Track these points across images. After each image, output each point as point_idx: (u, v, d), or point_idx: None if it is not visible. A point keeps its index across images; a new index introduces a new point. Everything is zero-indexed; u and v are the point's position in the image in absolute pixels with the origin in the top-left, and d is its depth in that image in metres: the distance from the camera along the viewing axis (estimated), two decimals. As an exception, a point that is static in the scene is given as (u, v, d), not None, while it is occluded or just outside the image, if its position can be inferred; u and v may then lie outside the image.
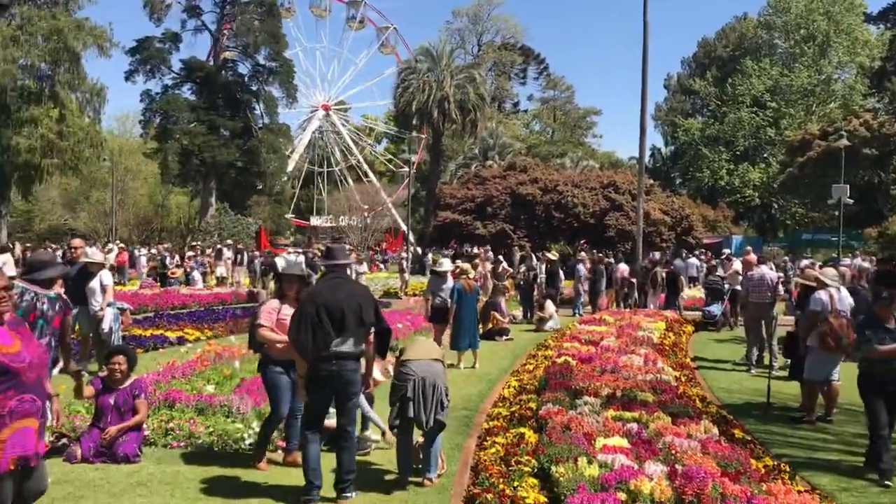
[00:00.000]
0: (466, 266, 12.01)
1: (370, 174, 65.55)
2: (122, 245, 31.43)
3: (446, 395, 6.16)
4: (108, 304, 10.00)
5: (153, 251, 31.29)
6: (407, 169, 63.90)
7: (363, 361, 5.97)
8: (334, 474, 5.78)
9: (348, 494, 5.71)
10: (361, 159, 66.05)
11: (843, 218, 33.38)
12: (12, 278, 7.57)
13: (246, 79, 53.75)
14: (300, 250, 26.54)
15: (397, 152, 67.36)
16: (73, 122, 46.14)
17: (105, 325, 9.88)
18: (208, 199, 53.09)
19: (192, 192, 58.19)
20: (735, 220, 58.48)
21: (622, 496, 4.96)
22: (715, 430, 6.91)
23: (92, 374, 9.97)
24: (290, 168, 60.39)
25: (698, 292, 23.11)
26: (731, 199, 60.60)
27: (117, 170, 57.94)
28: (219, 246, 34.24)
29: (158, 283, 24.91)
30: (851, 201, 34.81)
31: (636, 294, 21.27)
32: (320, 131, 67.64)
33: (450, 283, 11.89)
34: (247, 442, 6.94)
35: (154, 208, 65.09)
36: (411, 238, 59.27)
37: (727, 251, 26.65)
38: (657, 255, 30.26)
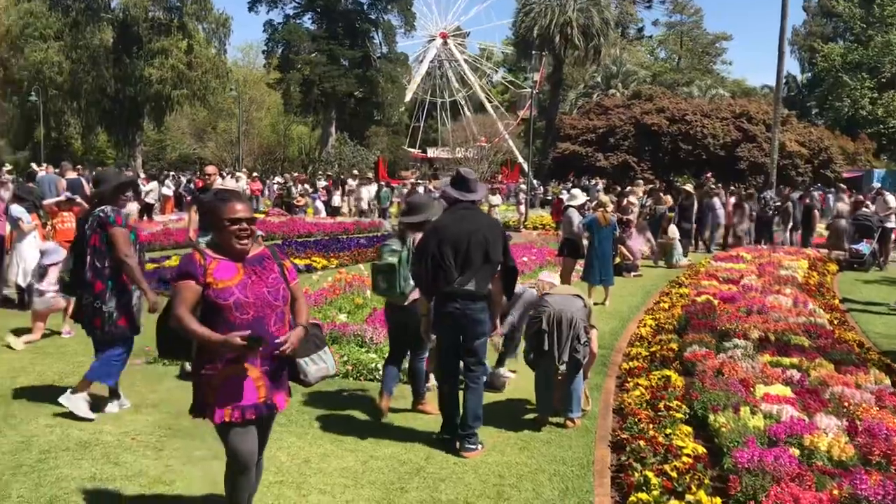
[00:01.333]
0: (605, 198, 11.43)
1: (487, 104, 64.58)
2: (255, 174, 32.18)
3: (585, 332, 5.78)
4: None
5: (279, 179, 31.90)
6: (528, 90, 62.78)
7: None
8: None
9: (472, 447, 5.17)
10: (479, 89, 65.05)
11: None
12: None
13: (365, 7, 53.51)
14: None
15: (515, 80, 65.92)
16: (201, 53, 47.55)
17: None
18: (328, 129, 53.80)
19: (313, 123, 59.14)
20: (877, 154, 54.47)
21: (794, 451, 4.49)
22: (887, 381, 6.27)
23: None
24: (407, 98, 60.25)
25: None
26: (872, 131, 56.31)
27: (242, 100, 59.46)
28: (342, 176, 34.62)
29: (285, 210, 25.51)
30: None
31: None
32: (437, 61, 66.89)
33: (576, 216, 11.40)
34: (380, 372, 6.82)
35: (277, 138, 66.58)
36: (527, 168, 58.65)
37: (877, 185, 24.69)
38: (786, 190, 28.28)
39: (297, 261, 14.14)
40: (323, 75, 50.37)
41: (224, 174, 25.13)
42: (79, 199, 10.25)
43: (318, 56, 51.23)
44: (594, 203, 11.55)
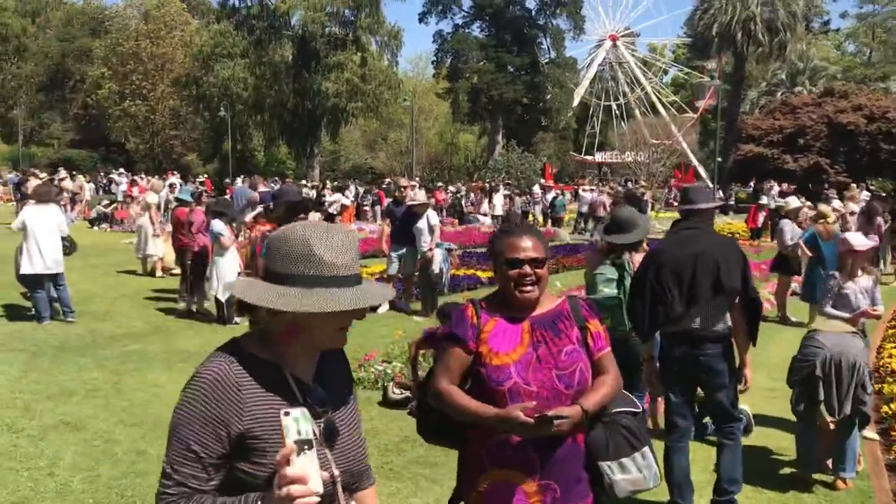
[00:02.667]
0: (826, 208, 10.14)
1: (659, 105, 62.18)
2: (439, 184, 32.29)
3: (869, 377, 4.80)
4: (437, 245, 9.70)
5: (451, 189, 31.89)
6: (708, 79, 59.79)
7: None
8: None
9: None
10: (650, 90, 62.78)
11: None
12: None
13: (533, 12, 53.09)
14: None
15: (693, 72, 63.03)
16: (374, 66, 48.78)
17: (435, 266, 9.61)
18: (495, 136, 53.75)
19: (480, 130, 59.32)
20: None
21: None
22: None
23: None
24: (575, 103, 59.14)
25: None
26: None
27: (413, 110, 60.65)
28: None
29: (457, 221, 25.32)
30: None
31: None
32: (607, 63, 65.21)
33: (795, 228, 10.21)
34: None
35: (444, 147, 67.38)
36: (702, 172, 55.79)
37: None
38: None
39: (479, 273, 13.68)
40: (491, 83, 50.42)
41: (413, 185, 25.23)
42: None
43: (487, 64, 51.39)
44: (813, 214, 10.26)
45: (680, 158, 56.02)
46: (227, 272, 9.31)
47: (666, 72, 72.29)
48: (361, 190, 27.26)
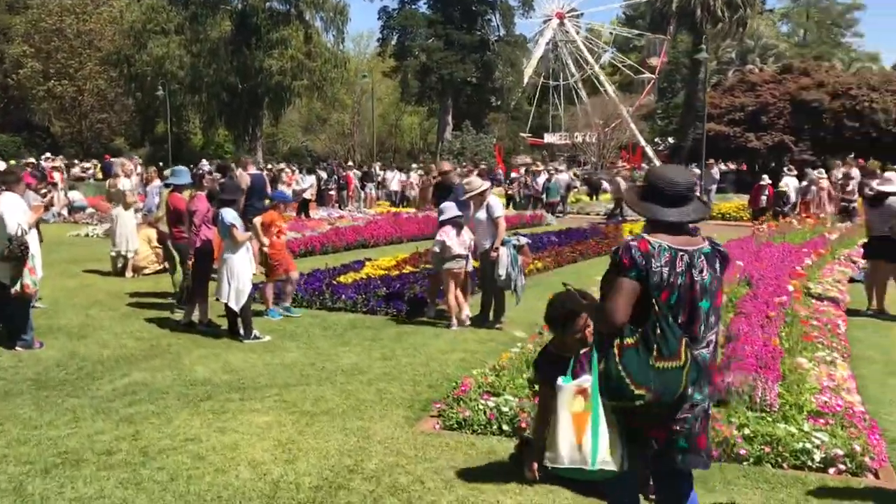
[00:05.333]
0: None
1: (607, 86, 61.33)
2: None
3: None
4: (503, 243, 7.93)
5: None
6: (647, 74, 59.20)
7: None
8: None
9: None
10: (598, 69, 61.88)
11: None
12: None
13: (482, -13, 51.31)
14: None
15: (633, 64, 62.36)
16: (319, 43, 46.36)
17: (501, 270, 7.80)
18: (445, 117, 51.98)
19: (428, 111, 57.43)
20: None
21: None
22: None
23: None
24: (524, 82, 57.83)
25: None
26: None
27: (354, 91, 58.24)
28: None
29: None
30: None
31: None
32: (553, 42, 64.00)
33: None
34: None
35: (388, 129, 65.25)
36: (650, 153, 55.15)
37: None
38: None
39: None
40: (440, 62, 48.56)
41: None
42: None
43: (435, 42, 49.43)
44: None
45: (628, 139, 55.39)
46: (240, 273, 7.41)
47: (608, 47, 71.53)
48: (324, 174, 25.17)
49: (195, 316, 7.97)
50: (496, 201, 8.17)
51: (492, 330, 8.08)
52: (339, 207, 23.25)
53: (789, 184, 20.61)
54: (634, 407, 2.99)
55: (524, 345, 6.61)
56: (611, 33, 68.69)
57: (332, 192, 24.31)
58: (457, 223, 7.93)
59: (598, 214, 25.72)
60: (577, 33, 64.24)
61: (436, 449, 4.81)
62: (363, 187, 25.36)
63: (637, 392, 2.94)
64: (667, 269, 3.00)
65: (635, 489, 3.40)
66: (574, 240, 14.97)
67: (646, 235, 3.08)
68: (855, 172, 20.28)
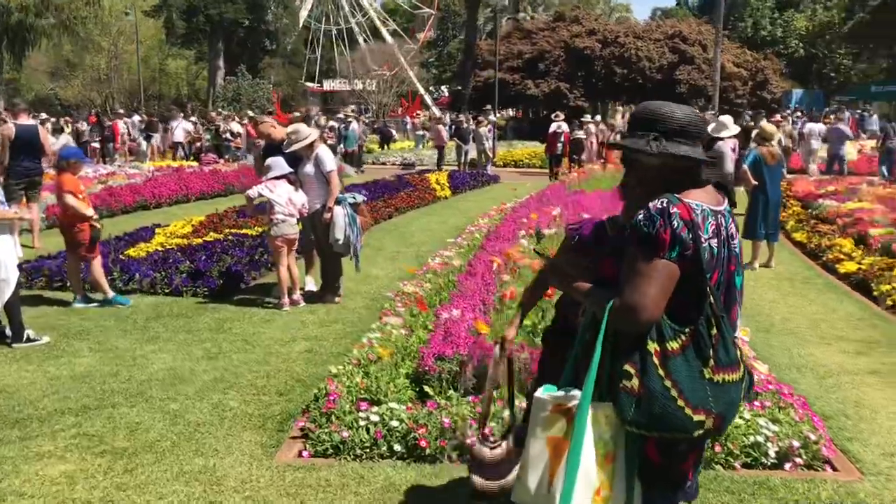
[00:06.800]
0: (770, 128, 8.65)
1: (383, 30, 60.24)
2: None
3: None
4: (337, 202, 6.73)
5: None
6: (427, 10, 58.77)
7: None
8: None
9: None
10: (373, 15, 60.53)
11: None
12: None
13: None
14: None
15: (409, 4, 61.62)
16: (68, -24, 40.97)
17: (338, 234, 6.63)
18: (216, 61, 48.51)
19: (196, 55, 53.27)
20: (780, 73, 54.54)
21: None
22: None
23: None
24: (299, 26, 55.28)
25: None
26: (771, 52, 56.38)
27: (110, 32, 52.66)
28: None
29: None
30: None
31: None
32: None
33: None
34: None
35: (151, 74, 59.89)
36: (428, 100, 55.20)
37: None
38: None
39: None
40: (208, 1, 44.87)
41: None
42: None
43: (202, -22, 45.57)
44: (754, 135, 8.82)
45: (408, 86, 55.00)
46: (1, 261, 5.65)
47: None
48: (85, 125, 22.04)
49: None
50: (326, 153, 6.90)
51: (331, 306, 6.93)
52: (104, 162, 20.42)
53: (591, 130, 20.93)
54: (682, 439, 2.11)
55: (382, 326, 5.47)
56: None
57: (96, 145, 21.34)
58: (289, 180, 6.68)
59: (394, 164, 24.98)
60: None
61: (313, 490, 3.64)
62: (148, 139, 22.58)
63: (696, 419, 2.06)
64: (715, 241, 2.10)
65: None
66: (385, 193, 13.95)
67: (681, 198, 2.11)
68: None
